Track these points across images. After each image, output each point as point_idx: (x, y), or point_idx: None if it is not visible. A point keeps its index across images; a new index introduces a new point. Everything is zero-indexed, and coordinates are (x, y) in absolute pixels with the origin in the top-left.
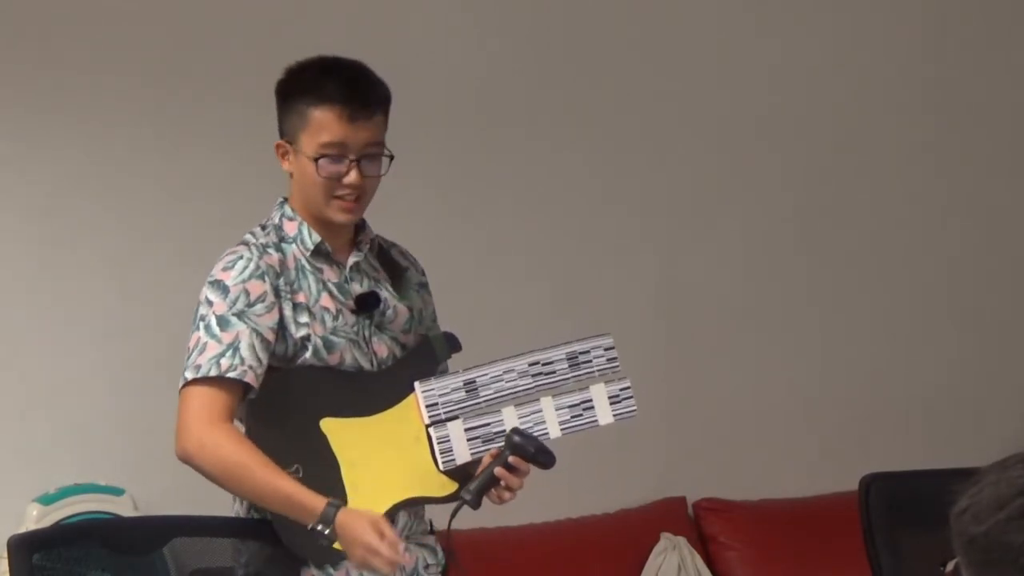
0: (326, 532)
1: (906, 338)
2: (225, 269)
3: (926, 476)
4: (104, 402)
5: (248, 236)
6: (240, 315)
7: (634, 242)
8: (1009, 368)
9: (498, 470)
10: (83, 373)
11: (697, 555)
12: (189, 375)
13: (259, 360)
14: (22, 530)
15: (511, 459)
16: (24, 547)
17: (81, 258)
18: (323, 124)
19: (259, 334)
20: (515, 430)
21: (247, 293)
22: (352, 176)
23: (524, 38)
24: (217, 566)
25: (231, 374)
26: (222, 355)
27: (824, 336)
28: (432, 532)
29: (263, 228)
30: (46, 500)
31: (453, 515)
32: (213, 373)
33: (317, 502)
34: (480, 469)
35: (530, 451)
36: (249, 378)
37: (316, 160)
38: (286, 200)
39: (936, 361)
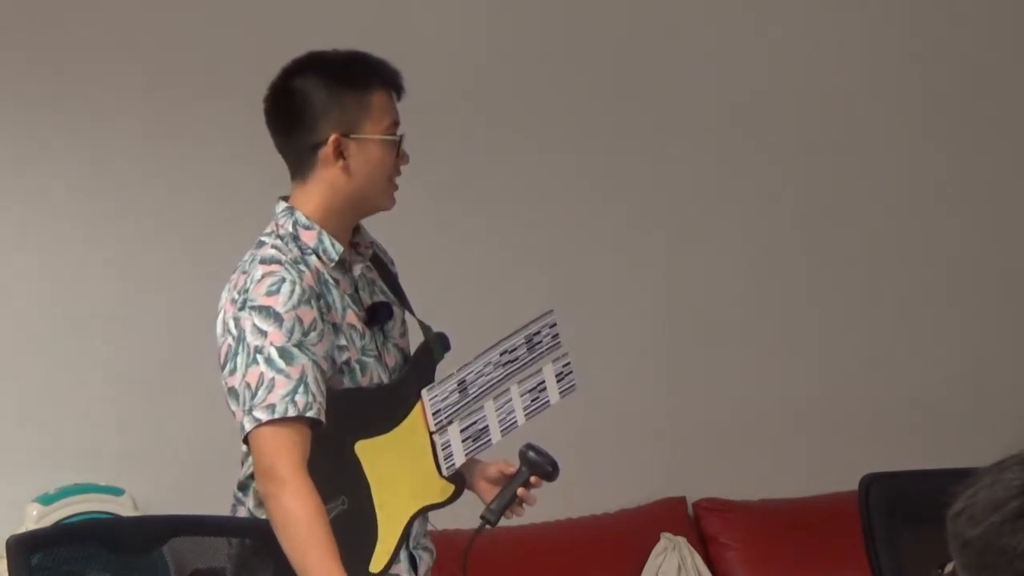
0: None
1: (906, 338)
2: (270, 294)
3: (926, 476)
4: (104, 402)
5: (273, 251)
6: (300, 346)
7: (634, 242)
8: (1009, 368)
9: (520, 491)
10: (83, 373)
11: (697, 555)
12: (263, 416)
13: (323, 393)
14: (22, 530)
15: (532, 479)
16: (23, 547)
17: (82, 258)
18: (384, 107)
19: (318, 366)
20: (529, 446)
21: (300, 321)
22: (405, 155)
23: (523, 36)
24: (217, 566)
25: (310, 413)
26: (295, 392)
27: (824, 336)
28: (427, 533)
29: (281, 238)
30: (46, 500)
31: (473, 540)
32: (292, 413)
33: None
34: (500, 490)
35: (548, 470)
36: (321, 415)
37: (400, 139)
38: (291, 205)
39: (936, 361)
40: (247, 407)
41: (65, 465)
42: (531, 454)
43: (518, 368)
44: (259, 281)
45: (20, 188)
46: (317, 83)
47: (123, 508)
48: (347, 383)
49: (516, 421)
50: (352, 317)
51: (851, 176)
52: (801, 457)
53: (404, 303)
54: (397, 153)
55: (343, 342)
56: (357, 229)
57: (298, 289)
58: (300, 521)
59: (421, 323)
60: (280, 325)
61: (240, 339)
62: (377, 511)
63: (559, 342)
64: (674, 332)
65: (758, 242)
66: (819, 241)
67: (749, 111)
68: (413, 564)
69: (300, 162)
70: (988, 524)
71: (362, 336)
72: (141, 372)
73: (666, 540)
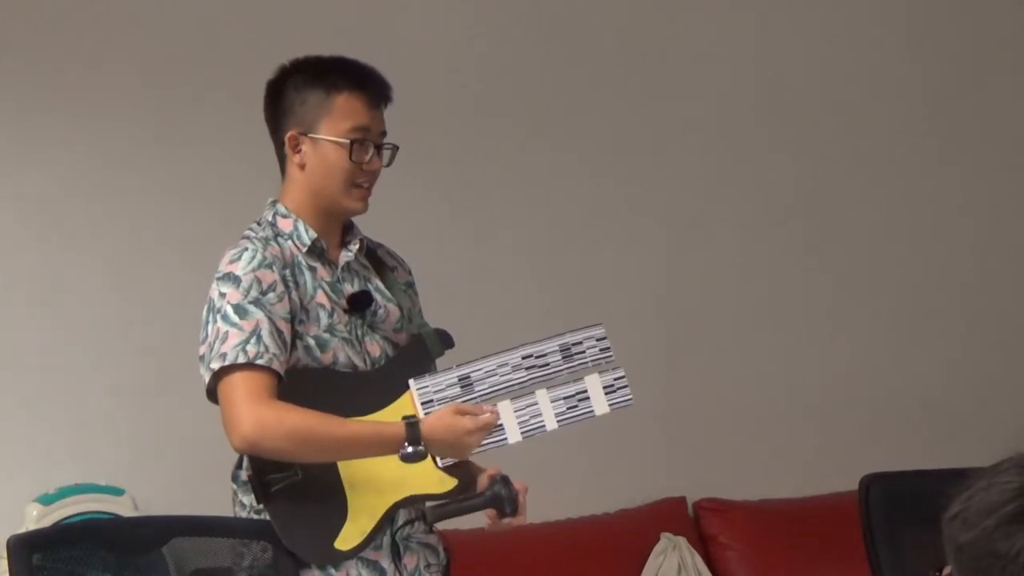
0: (419, 448)
1: (906, 338)
2: (232, 261)
3: (926, 476)
4: (104, 402)
5: (248, 231)
6: (256, 303)
7: (634, 242)
8: (1009, 368)
9: (489, 522)
10: (83, 373)
11: (697, 555)
12: (215, 365)
13: (280, 348)
14: (22, 530)
15: (488, 513)
16: (24, 547)
17: (81, 258)
18: (351, 109)
19: (274, 323)
20: (504, 480)
21: (259, 281)
22: (375, 162)
23: (522, 37)
24: (217, 566)
25: (259, 361)
26: (246, 342)
27: (824, 336)
28: (432, 531)
29: (259, 224)
30: (46, 500)
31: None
32: (241, 360)
33: (397, 428)
34: (454, 499)
35: (505, 510)
36: (276, 366)
37: (351, 143)
38: (276, 200)
39: (936, 361)
40: (206, 363)
41: (65, 465)
42: (497, 487)
43: (549, 374)
44: (225, 256)
45: (19, 188)
46: (291, 82)
47: (123, 508)
48: (304, 358)
49: (544, 425)
50: (322, 297)
51: (851, 177)
52: (801, 457)
53: (402, 302)
54: (350, 156)
55: (302, 316)
56: (349, 225)
57: (259, 256)
58: (296, 423)
59: (420, 321)
60: (237, 285)
61: (209, 308)
62: (347, 490)
63: (610, 356)
64: (673, 332)
65: (758, 243)
66: (819, 242)
67: (749, 109)
68: (397, 554)
69: (279, 157)
70: (982, 528)
71: (330, 315)
72: (141, 372)
73: (666, 540)
